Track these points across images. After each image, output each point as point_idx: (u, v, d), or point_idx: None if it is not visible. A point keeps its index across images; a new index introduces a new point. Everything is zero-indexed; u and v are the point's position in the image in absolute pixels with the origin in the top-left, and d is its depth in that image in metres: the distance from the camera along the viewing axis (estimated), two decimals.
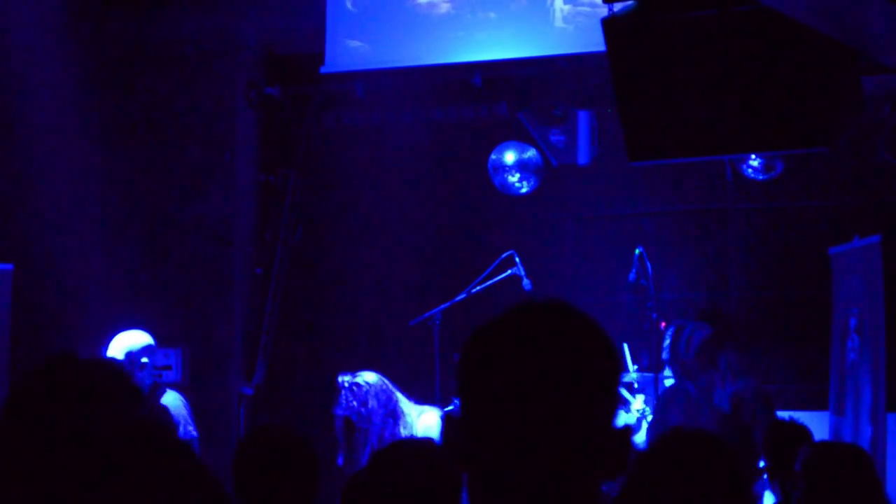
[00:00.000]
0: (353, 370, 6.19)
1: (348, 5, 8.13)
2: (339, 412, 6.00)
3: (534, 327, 1.40)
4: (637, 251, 7.10)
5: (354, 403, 5.95)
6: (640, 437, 6.82)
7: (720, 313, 8.09)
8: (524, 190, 7.96)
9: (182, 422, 5.90)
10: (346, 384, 6.01)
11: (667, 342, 6.39)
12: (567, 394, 1.36)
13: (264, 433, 3.31)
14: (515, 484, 1.36)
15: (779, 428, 5.11)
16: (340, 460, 6.09)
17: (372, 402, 5.95)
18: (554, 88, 7.82)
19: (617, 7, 4.70)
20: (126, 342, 6.00)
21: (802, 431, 5.04)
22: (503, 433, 1.36)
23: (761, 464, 5.39)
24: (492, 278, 7.00)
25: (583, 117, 7.78)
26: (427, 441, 3.12)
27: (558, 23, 7.61)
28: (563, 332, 1.39)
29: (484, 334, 1.42)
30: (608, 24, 4.72)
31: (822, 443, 4.07)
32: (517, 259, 7.06)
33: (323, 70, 8.19)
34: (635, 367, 7.30)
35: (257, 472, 3.06)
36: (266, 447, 3.13)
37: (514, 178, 7.91)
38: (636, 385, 7.22)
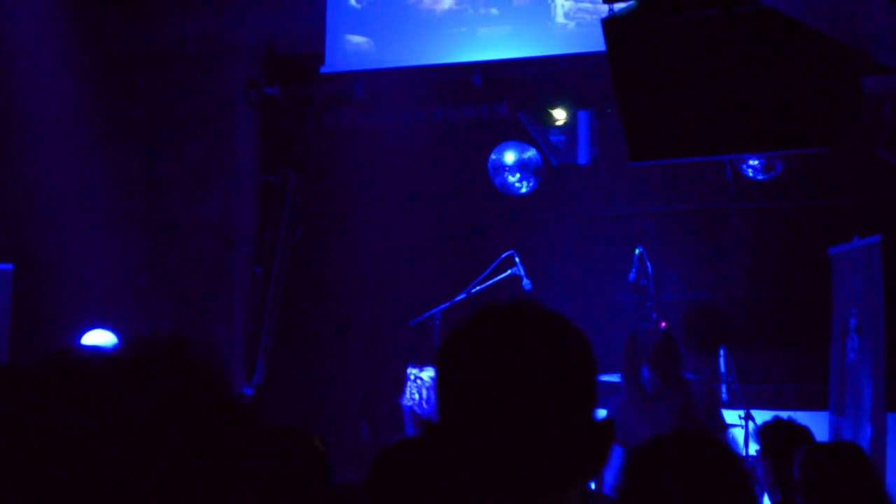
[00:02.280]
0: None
1: (352, 1, 8.13)
2: (404, 403, 6.23)
3: (505, 330, 1.40)
4: (637, 251, 7.10)
5: (416, 397, 6.14)
6: None
7: (720, 313, 8.10)
8: (524, 190, 7.96)
9: None
10: (413, 377, 6.24)
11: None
12: (540, 394, 1.36)
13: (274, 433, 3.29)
14: (495, 486, 1.36)
15: (778, 428, 5.10)
16: None
17: (433, 399, 6.15)
18: (554, 88, 7.83)
19: (617, 7, 4.70)
20: (105, 339, 6.09)
21: (802, 432, 5.04)
22: (479, 437, 1.36)
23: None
24: (492, 278, 7.00)
25: (583, 117, 7.78)
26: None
27: (559, 18, 7.62)
28: (533, 334, 1.39)
29: (456, 339, 1.42)
30: (608, 24, 4.72)
31: (819, 444, 4.05)
32: (517, 259, 7.06)
33: (323, 70, 8.19)
34: None
35: (267, 472, 3.05)
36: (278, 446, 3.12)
37: (514, 178, 7.91)
38: None
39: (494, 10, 7.84)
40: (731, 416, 6.96)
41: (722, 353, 7.07)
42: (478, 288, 7.00)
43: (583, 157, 7.85)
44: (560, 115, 7.66)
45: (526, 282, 6.99)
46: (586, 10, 7.46)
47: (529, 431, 1.35)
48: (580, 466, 1.39)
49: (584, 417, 1.38)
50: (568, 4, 7.60)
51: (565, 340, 1.40)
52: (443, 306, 6.98)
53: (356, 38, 8.12)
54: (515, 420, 1.35)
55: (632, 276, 7.10)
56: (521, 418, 1.35)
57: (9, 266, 7.47)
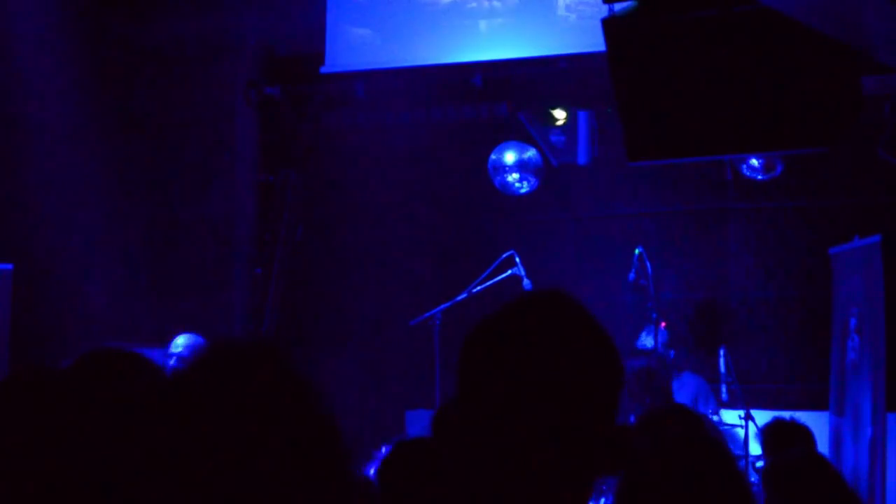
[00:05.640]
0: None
1: None
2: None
3: (534, 323, 1.40)
4: (637, 251, 7.10)
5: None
6: None
7: (720, 313, 8.10)
8: (524, 190, 7.95)
9: None
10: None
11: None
12: (566, 390, 1.36)
13: None
14: (511, 475, 1.36)
15: (779, 429, 5.11)
16: None
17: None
18: (555, 88, 7.82)
19: (617, 7, 4.70)
20: (192, 341, 6.09)
21: (803, 432, 5.04)
22: (500, 427, 1.36)
23: None
24: (492, 278, 7.00)
25: (583, 117, 7.78)
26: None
27: (561, 11, 7.63)
28: (562, 328, 1.39)
29: (485, 328, 1.42)
30: (608, 23, 4.71)
31: (780, 458, 3.97)
32: (517, 259, 7.06)
33: (323, 70, 8.19)
34: None
35: None
36: None
37: (513, 178, 7.90)
38: None
39: (497, 3, 7.85)
40: (731, 416, 6.97)
41: (722, 353, 7.07)
42: (478, 288, 7.00)
43: (583, 157, 7.84)
44: (560, 115, 7.66)
45: (526, 282, 6.98)
46: (587, 3, 7.47)
47: (551, 426, 1.35)
48: (597, 465, 1.39)
49: (605, 417, 1.39)
50: None
51: (599, 341, 1.41)
52: (443, 306, 6.98)
53: (358, 31, 8.12)
54: (537, 413, 1.35)
55: (632, 276, 7.10)
56: (544, 412, 1.35)
57: (9, 266, 7.47)
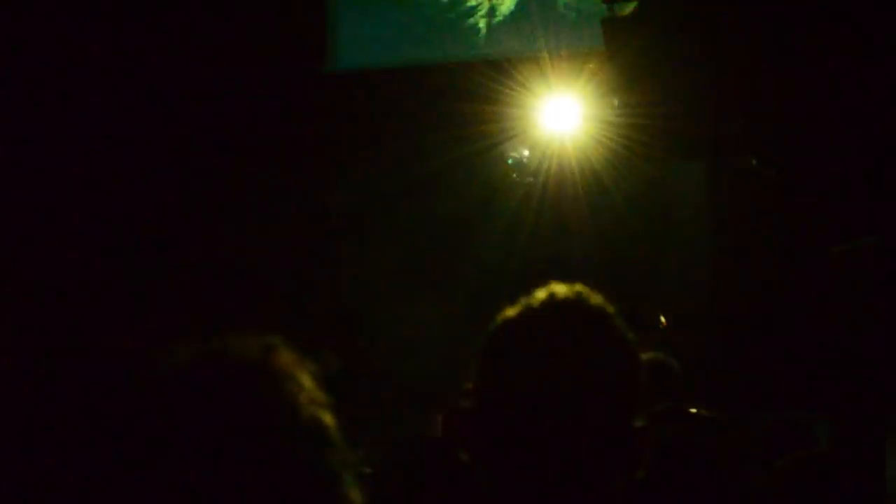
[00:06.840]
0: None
1: None
2: None
3: (555, 324, 1.39)
4: None
5: None
6: None
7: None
8: None
9: None
10: None
11: None
12: (585, 392, 1.35)
13: None
14: (528, 481, 1.35)
15: (779, 429, 5.10)
16: None
17: None
18: (554, 86, 7.82)
19: (616, 7, 4.71)
20: None
21: (802, 431, 5.04)
22: (518, 429, 1.35)
23: None
24: None
25: None
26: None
27: (560, 9, 7.67)
28: (584, 331, 1.38)
29: (505, 328, 1.41)
30: (608, 23, 4.72)
31: (787, 461, 3.93)
32: None
33: (324, 70, 8.19)
34: None
35: None
36: None
37: None
38: None
39: (497, 1, 7.87)
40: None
41: None
42: None
43: None
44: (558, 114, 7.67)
45: None
46: (587, 1, 7.49)
47: (569, 429, 1.34)
48: (617, 470, 1.37)
49: (625, 420, 1.37)
50: None
51: (621, 339, 1.40)
52: None
53: (358, 30, 8.13)
54: (556, 416, 1.34)
55: None
56: (562, 415, 1.34)
57: None
